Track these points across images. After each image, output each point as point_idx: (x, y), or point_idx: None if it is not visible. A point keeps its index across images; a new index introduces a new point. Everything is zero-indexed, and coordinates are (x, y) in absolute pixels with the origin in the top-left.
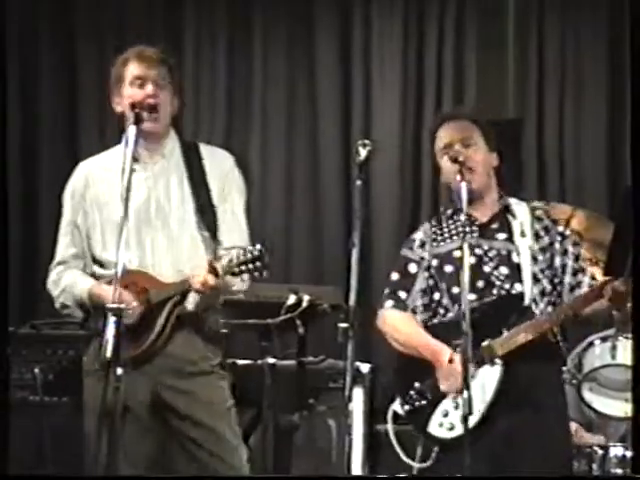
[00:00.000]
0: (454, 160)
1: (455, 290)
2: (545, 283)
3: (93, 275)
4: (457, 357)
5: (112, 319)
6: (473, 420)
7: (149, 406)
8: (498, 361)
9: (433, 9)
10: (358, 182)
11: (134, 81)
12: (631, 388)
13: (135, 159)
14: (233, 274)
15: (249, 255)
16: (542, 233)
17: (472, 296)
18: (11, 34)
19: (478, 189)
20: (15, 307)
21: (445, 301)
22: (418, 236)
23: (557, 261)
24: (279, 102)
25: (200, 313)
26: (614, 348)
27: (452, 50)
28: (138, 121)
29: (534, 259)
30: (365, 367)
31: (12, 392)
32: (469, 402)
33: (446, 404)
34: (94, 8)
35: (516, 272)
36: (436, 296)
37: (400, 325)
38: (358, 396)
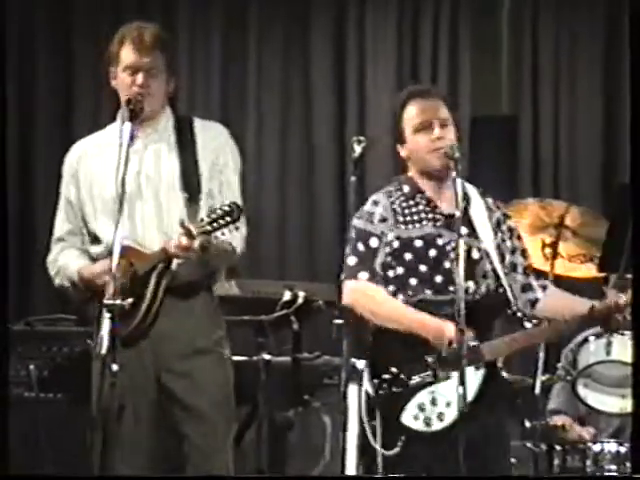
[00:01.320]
0: (450, 157)
1: (412, 282)
2: (493, 280)
3: (88, 253)
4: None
5: (107, 315)
6: (449, 418)
7: (151, 394)
8: (482, 365)
9: (427, 9)
10: (353, 179)
11: (126, 69)
12: (632, 385)
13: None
14: (207, 232)
15: (219, 212)
16: (496, 228)
17: (428, 292)
18: (10, 33)
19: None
20: (10, 304)
21: (398, 290)
22: (378, 210)
23: (507, 259)
24: (274, 102)
25: (194, 284)
26: (609, 344)
27: (446, 50)
28: (133, 118)
29: (501, 257)
30: (360, 363)
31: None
32: (464, 398)
33: (423, 397)
34: (90, 8)
35: (472, 269)
36: (390, 274)
37: (387, 301)
38: (353, 393)
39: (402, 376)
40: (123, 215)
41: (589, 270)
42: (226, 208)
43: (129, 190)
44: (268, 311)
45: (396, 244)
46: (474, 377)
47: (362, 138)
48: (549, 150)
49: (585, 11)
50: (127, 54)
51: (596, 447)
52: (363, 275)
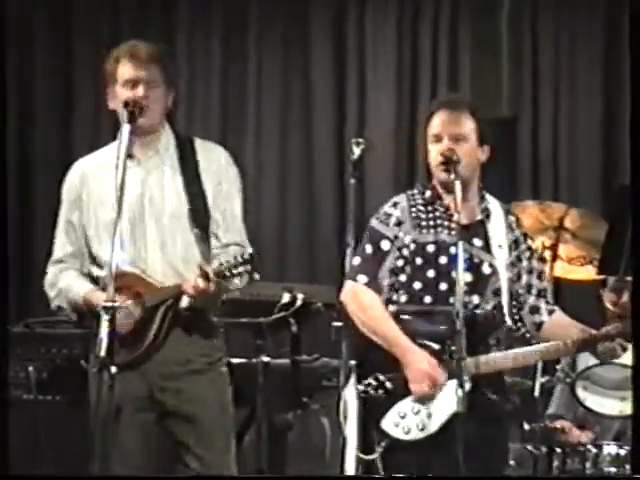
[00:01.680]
0: (445, 161)
1: (416, 285)
2: (503, 299)
3: (90, 276)
4: (433, 362)
5: (105, 317)
6: (432, 428)
7: (143, 407)
8: (468, 379)
9: (427, 9)
10: (352, 181)
11: (125, 83)
12: (632, 388)
13: (129, 156)
14: (224, 277)
15: (240, 259)
16: (513, 246)
17: (428, 299)
18: (10, 33)
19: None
20: (9, 306)
21: (401, 293)
22: (395, 213)
23: (523, 279)
24: (274, 103)
25: (196, 311)
26: None
27: (446, 50)
28: (132, 120)
29: (512, 275)
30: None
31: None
32: (463, 400)
33: (405, 405)
34: (90, 8)
35: (481, 283)
36: (402, 278)
37: (371, 309)
38: (352, 394)
39: (385, 381)
40: (126, 240)
41: (588, 272)
42: (247, 257)
43: (132, 213)
44: (267, 313)
45: (411, 247)
46: (459, 391)
47: (361, 140)
48: (549, 151)
49: (585, 11)
50: (125, 70)
51: (596, 449)
52: (361, 278)
